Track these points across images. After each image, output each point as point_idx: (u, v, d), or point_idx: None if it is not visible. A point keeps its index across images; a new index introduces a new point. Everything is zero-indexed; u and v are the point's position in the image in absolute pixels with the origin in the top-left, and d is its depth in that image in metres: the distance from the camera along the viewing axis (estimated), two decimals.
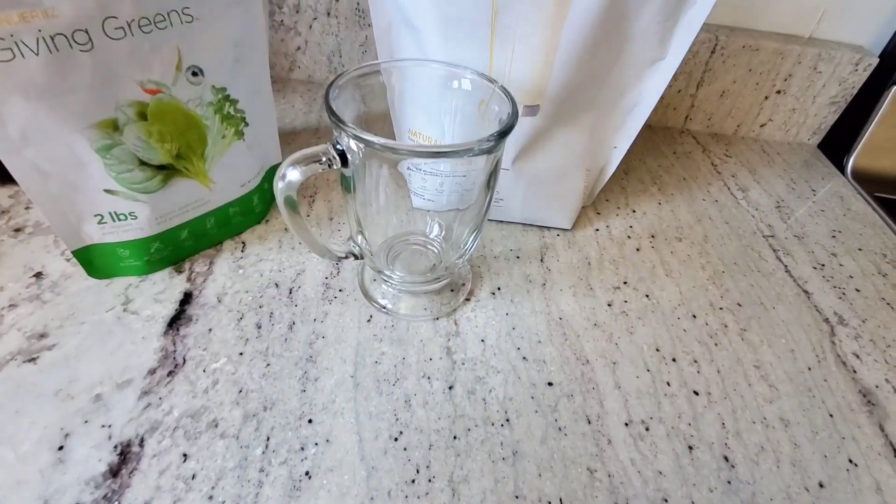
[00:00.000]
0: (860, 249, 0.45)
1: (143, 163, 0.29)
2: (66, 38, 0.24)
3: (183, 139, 0.30)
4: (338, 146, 0.25)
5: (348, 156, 0.25)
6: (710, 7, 0.31)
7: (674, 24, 0.32)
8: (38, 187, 0.27)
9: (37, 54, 0.24)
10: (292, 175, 0.24)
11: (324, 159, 0.25)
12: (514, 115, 0.26)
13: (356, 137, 0.23)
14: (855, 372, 0.34)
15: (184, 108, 0.29)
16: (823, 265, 0.42)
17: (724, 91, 0.56)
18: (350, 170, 0.26)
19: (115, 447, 0.26)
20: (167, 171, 0.31)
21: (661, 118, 0.58)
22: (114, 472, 0.25)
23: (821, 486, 0.28)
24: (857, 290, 0.40)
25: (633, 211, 0.46)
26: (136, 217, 0.31)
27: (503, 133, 0.24)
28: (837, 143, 0.57)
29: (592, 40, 0.31)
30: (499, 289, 0.36)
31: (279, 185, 0.25)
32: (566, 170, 0.38)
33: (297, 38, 0.54)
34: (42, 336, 0.30)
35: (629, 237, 0.43)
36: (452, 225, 0.34)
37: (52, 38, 0.24)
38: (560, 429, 0.29)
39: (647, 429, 0.29)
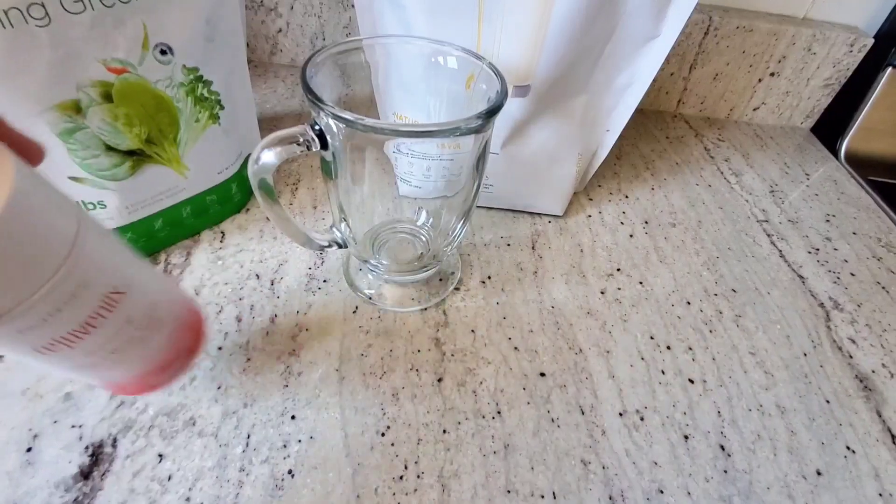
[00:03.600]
0: (854, 233, 0.44)
1: (109, 148, 0.27)
2: (21, 12, 0.22)
3: (153, 122, 0.28)
4: (316, 127, 0.24)
5: (328, 137, 0.24)
6: None
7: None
8: None
9: None
10: (267, 157, 0.23)
11: (301, 140, 0.23)
12: (502, 94, 0.24)
13: (335, 116, 0.22)
14: (851, 357, 0.33)
15: (152, 88, 0.27)
16: (818, 249, 0.42)
17: (718, 74, 0.55)
18: (330, 153, 0.25)
19: (87, 448, 0.24)
20: (137, 157, 0.29)
21: (654, 102, 0.57)
22: (85, 474, 0.23)
23: (818, 473, 0.27)
24: (852, 275, 0.40)
25: (626, 196, 0.45)
26: (104, 206, 0.29)
27: (492, 112, 0.23)
28: (831, 126, 0.57)
29: (584, 17, 0.30)
30: (489, 277, 0.35)
31: (252, 168, 0.23)
32: (558, 154, 0.37)
33: (278, 20, 0.52)
34: None
35: (622, 223, 0.42)
36: (440, 212, 0.33)
37: (5, 13, 0.22)
38: (553, 420, 0.28)
39: (641, 418, 0.28)
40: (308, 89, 0.22)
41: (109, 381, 0.21)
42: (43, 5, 0.23)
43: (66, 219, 0.15)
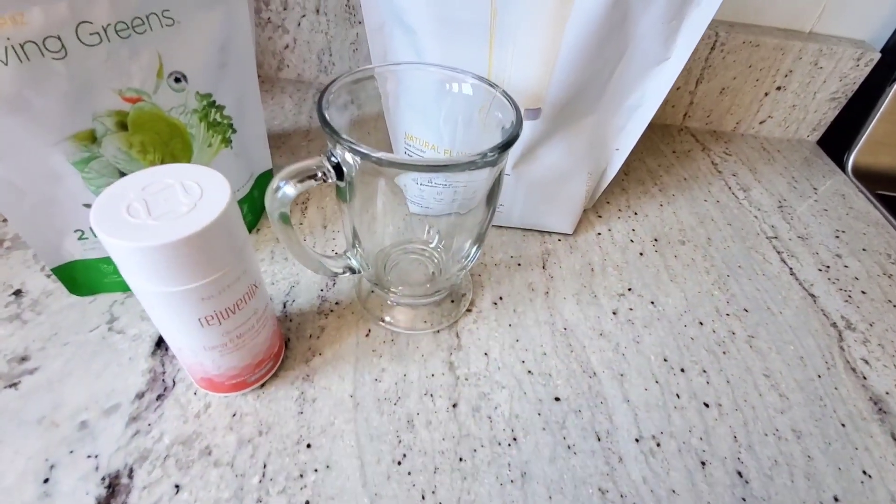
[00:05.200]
0: (864, 250, 0.44)
1: (124, 175, 0.27)
2: (37, 45, 0.22)
3: (167, 149, 0.28)
4: (332, 159, 0.24)
5: (344, 168, 0.24)
6: (716, 6, 0.30)
7: (679, 23, 0.31)
8: (12, 204, 0.26)
9: (5, 64, 0.22)
10: (286, 191, 0.23)
11: (319, 174, 0.23)
12: (517, 125, 0.24)
13: (352, 150, 0.22)
14: (865, 378, 0.33)
15: (166, 116, 0.28)
16: (828, 267, 0.42)
17: (724, 88, 0.55)
18: (345, 182, 0.25)
19: (103, 479, 0.24)
20: None
21: (660, 115, 0.57)
22: None
23: (836, 499, 0.27)
24: (864, 293, 0.40)
25: (635, 213, 0.45)
26: None
27: (507, 144, 0.23)
28: (837, 139, 0.57)
29: (595, 40, 0.30)
30: (500, 298, 0.35)
31: (272, 202, 0.23)
32: (568, 173, 0.37)
33: (285, 36, 0.52)
34: (23, 359, 0.28)
35: (632, 241, 0.42)
36: (452, 233, 0.33)
37: (21, 46, 0.22)
38: (569, 447, 0.28)
39: (658, 444, 0.28)
40: (325, 122, 0.22)
41: (213, 375, 0.26)
42: (59, 38, 0.23)
43: (241, 230, 0.22)
